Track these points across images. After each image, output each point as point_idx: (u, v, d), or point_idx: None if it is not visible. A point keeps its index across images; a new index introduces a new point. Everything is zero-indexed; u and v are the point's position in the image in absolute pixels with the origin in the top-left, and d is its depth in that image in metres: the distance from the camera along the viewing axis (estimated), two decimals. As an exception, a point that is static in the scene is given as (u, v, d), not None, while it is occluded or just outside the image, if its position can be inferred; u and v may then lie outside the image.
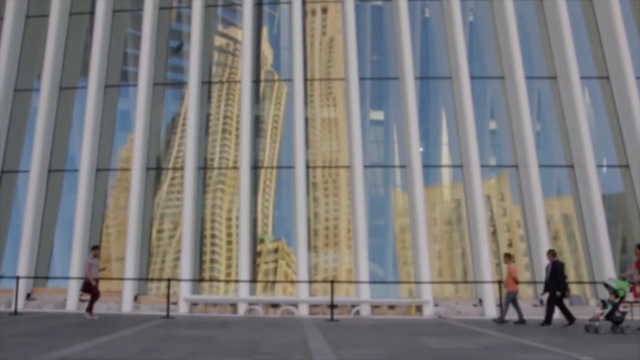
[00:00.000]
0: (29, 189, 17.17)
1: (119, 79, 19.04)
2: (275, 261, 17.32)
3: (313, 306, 15.90)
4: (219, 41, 19.92)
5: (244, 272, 16.07)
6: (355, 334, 10.94)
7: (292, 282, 16.68)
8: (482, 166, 16.85)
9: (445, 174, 18.08)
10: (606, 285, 11.38)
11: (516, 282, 13.51)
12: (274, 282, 17.09)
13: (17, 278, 14.99)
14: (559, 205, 17.41)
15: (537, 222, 15.92)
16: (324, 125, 18.49)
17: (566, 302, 12.28)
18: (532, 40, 18.46)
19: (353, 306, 15.63)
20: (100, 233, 17.60)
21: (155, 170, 18.14)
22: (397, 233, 17.57)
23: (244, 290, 15.95)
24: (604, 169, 17.63)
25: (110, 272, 17.14)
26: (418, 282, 15.65)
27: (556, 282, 12.40)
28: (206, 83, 18.63)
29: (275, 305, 16.00)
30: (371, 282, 15.86)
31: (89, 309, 13.47)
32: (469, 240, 16.62)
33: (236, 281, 16.20)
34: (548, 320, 12.44)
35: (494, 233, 17.17)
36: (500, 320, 13.19)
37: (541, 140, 18.12)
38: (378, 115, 19.20)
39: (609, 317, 11.03)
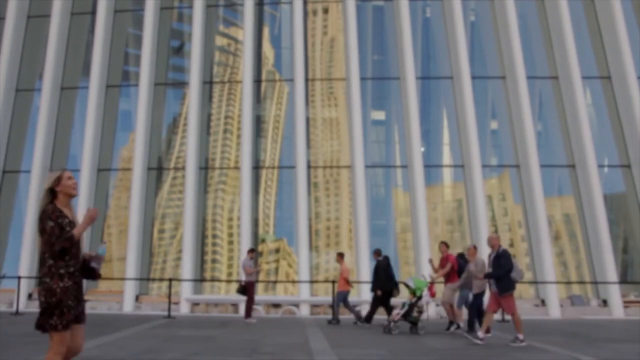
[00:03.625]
0: (31, 188, 17.19)
1: (120, 79, 19.05)
2: (277, 261, 17.33)
3: (314, 306, 15.90)
4: (220, 41, 19.93)
5: (245, 272, 16.07)
6: (357, 334, 10.94)
7: (294, 282, 16.68)
8: (484, 166, 16.84)
9: (447, 174, 18.09)
10: (406, 285, 11.07)
11: (347, 282, 13.11)
12: (275, 282, 17.10)
13: (19, 278, 15.00)
14: (560, 205, 17.40)
15: (539, 222, 15.91)
16: (325, 125, 18.49)
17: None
18: (534, 40, 18.45)
19: (354, 306, 15.61)
20: (101, 233, 17.62)
21: (157, 170, 18.15)
22: (399, 233, 17.58)
23: (245, 290, 15.94)
24: (605, 169, 17.62)
25: (111, 272, 17.16)
26: (419, 282, 15.64)
27: (378, 281, 12.08)
28: (207, 83, 18.64)
29: (276, 305, 16.01)
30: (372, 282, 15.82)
31: (248, 314, 13.10)
32: (469, 240, 16.61)
33: (237, 281, 16.19)
34: (367, 318, 12.25)
35: (495, 233, 17.14)
36: (336, 321, 12.82)
37: (542, 140, 18.12)
38: (379, 115, 19.20)
39: (405, 317, 10.66)
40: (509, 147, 17.48)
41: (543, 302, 15.71)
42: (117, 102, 18.81)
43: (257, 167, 17.81)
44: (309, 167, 17.49)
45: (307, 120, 17.88)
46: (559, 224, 17.29)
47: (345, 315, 13.86)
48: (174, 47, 19.77)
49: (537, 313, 15.46)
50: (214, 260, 17.26)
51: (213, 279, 17.14)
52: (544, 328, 12.17)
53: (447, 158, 18.05)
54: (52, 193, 3.99)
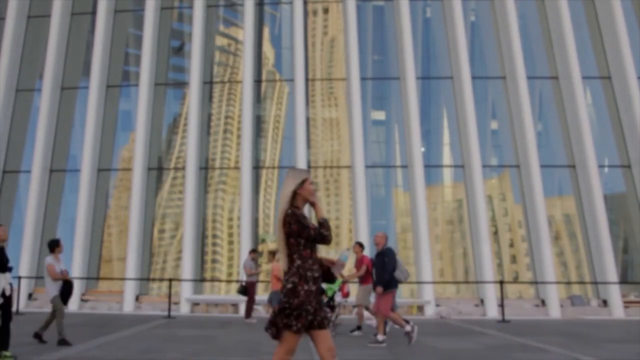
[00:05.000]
0: (31, 189, 17.18)
1: (120, 79, 19.05)
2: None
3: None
4: (220, 41, 19.93)
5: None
6: (357, 334, 10.92)
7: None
8: (484, 166, 16.83)
9: (447, 174, 18.08)
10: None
11: (279, 280, 13.13)
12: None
13: (19, 278, 15.02)
14: (560, 205, 17.40)
15: (539, 222, 15.90)
16: (326, 125, 18.49)
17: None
18: (534, 40, 18.44)
19: (354, 306, 15.60)
20: (101, 233, 17.62)
21: (157, 170, 18.15)
22: (399, 233, 17.57)
23: (245, 290, 15.93)
24: (606, 169, 17.62)
25: (111, 272, 17.16)
26: (419, 282, 15.63)
27: None
28: (207, 83, 18.64)
29: (276, 305, 15.98)
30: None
31: (249, 314, 13.19)
32: (470, 240, 16.61)
33: (237, 281, 16.18)
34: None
35: (496, 233, 17.15)
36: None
37: (543, 140, 18.11)
38: (379, 115, 19.20)
39: None
40: (509, 147, 17.47)
41: (543, 302, 15.70)
42: (117, 102, 18.81)
43: (257, 167, 17.81)
44: (309, 167, 17.49)
45: (307, 120, 17.88)
46: (559, 224, 17.28)
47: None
48: (174, 47, 19.77)
49: (537, 313, 15.46)
50: (214, 261, 17.25)
51: (213, 279, 17.13)
52: (544, 328, 12.17)
53: (447, 158, 18.04)
54: (293, 195, 3.96)
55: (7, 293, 7.35)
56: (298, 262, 3.85)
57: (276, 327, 3.85)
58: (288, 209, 3.91)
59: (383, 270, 9.05)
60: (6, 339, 7.32)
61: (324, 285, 10.64)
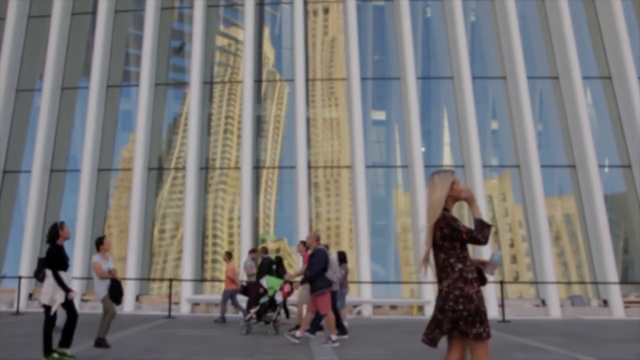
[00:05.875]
0: (31, 189, 17.19)
1: (120, 79, 19.05)
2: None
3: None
4: (220, 41, 19.93)
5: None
6: (357, 334, 10.94)
7: (293, 282, 16.64)
8: (484, 166, 16.83)
9: (447, 174, 18.04)
10: (259, 285, 10.88)
11: (232, 281, 13.04)
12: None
13: (19, 278, 15.01)
14: (560, 205, 17.40)
15: (539, 222, 15.90)
16: (326, 125, 18.49)
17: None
18: (534, 40, 18.43)
19: (355, 306, 15.63)
20: (102, 233, 17.61)
21: (157, 170, 18.15)
22: (399, 233, 17.57)
23: (245, 290, 15.93)
24: (606, 169, 17.61)
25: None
26: (420, 283, 15.64)
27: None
28: (208, 83, 18.64)
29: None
30: (373, 282, 15.85)
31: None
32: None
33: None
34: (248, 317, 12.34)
35: (496, 233, 17.15)
36: (222, 320, 12.87)
37: (543, 140, 18.11)
38: (380, 115, 19.20)
39: (259, 316, 10.53)
40: (510, 147, 17.47)
41: (543, 302, 15.70)
42: (117, 102, 18.81)
43: (257, 167, 17.81)
44: (309, 167, 17.48)
45: (308, 120, 17.88)
46: (559, 224, 17.28)
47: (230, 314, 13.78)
48: (174, 47, 19.77)
49: (538, 313, 15.46)
50: (214, 260, 17.25)
51: (213, 279, 17.13)
52: (544, 328, 12.17)
53: (447, 158, 18.03)
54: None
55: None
56: (459, 265, 3.73)
57: (435, 336, 3.72)
58: (444, 214, 3.79)
59: (312, 272, 9.02)
60: (69, 338, 7.28)
61: (265, 284, 10.72)
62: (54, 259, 7.23)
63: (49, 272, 7.23)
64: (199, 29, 18.02)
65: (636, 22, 18.15)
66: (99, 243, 8.76)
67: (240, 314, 13.05)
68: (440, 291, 3.79)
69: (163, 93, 18.70)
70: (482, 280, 3.86)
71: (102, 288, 8.57)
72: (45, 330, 7.17)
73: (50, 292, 7.18)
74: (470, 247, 3.93)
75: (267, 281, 10.77)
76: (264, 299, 10.63)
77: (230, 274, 13.14)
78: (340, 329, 9.82)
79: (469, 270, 3.74)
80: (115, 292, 8.53)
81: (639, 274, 16.98)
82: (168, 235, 17.75)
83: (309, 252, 9.45)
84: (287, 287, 10.71)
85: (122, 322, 12.61)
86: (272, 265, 12.34)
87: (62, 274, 7.24)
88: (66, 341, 7.27)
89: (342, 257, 11.60)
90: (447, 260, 3.77)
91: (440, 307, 3.74)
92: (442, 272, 3.81)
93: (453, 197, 3.88)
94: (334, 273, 8.99)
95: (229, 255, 13.53)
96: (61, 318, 7.59)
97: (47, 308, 7.20)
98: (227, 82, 19.11)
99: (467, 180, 16.89)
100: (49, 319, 7.22)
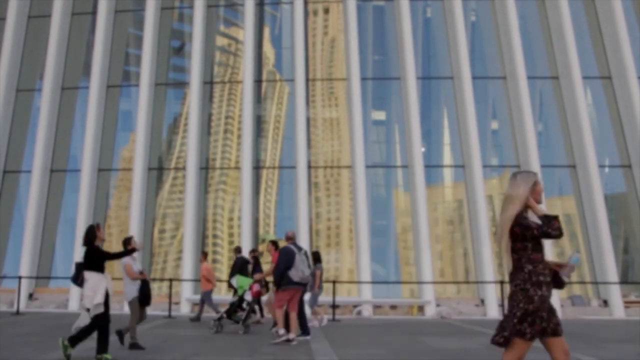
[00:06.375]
0: (31, 189, 17.18)
1: (120, 79, 19.05)
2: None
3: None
4: (220, 41, 19.93)
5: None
6: (357, 334, 10.94)
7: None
8: (484, 166, 16.82)
9: (447, 174, 18.08)
10: (229, 284, 10.92)
11: (208, 280, 13.02)
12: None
13: (19, 278, 15.01)
14: (560, 205, 17.39)
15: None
16: (326, 125, 18.49)
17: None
18: (534, 40, 18.43)
19: (355, 306, 15.63)
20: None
21: (157, 170, 18.15)
22: (399, 233, 17.57)
23: (245, 290, 15.93)
24: (606, 169, 17.61)
25: (112, 272, 17.10)
26: (420, 282, 15.64)
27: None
28: (208, 83, 18.64)
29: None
30: (373, 282, 15.85)
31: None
32: (470, 240, 16.61)
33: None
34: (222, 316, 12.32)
35: (496, 233, 17.12)
36: (197, 319, 12.93)
37: (543, 140, 18.10)
38: (380, 115, 19.20)
39: (229, 315, 10.51)
40: (510, 147, 17.47)
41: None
42: (117, 102, 18.81)
43: (257, 167, 17.80)
44: (309, 167, 17.48)
45: (308, 120, 17.88)
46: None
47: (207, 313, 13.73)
48: (174, 47, 19.77)
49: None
50: (214, 261, 17.24)
51: (213, 279, 17.11)
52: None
53: (447, 158, 18.04)
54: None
55: (110, 293, 7.33)
56: (529, 266, 3.73)
57: (506, 333, 3.73)
58: (514, 213, 3.79)
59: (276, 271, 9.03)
60: (105, 343, 7.20)
61: (235, 284, 10.75)
62: (96, 258, 7.28)
63: (88, 275, 7.24)
64: (199, 29, 18.02)
65: (636, 22, 18.14)
66: (127, 244, 8.66)
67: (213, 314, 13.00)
68: (512, 291, 3.82)
69: (163, 93, 18.70)
70: (559, 284, 3.87)
71: (133, 289, 8.59)
72: (100, 332, 7.14)
73: (91, 296, 7.17)
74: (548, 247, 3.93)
75: (237, 281, 10.79)
76: (233, 298, 10.68)
77: (204, 273, 13.11)
78: (303, 329, 9.64)
79: (539, 273, 3.74)
80: (147, 293, 8.54)
81: (639, 274, 16.98)
82: (168, 235, 17.75)
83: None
84: (255, 287, 10.64)
85: (121, 322, 12.61)
86: (245, 265, 12.24)
87: (101, 275, 7.26)
88: (103, 347, 7.24)
89: (316, 257, 11.64)
90: (519, 260, 3.79)
91: (508, 309, 3.80)
92: (513, 272, 3.83)
93: (533, 198, 3.89)
94: (297, 272, 8.86)
95: (204, 255, 13.51)
96: (82, 319, 7.57)
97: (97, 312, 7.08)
98: (227, 82, 19.11)
99: (467, 180, 16.90)
100: (103, 320, 7.20)
